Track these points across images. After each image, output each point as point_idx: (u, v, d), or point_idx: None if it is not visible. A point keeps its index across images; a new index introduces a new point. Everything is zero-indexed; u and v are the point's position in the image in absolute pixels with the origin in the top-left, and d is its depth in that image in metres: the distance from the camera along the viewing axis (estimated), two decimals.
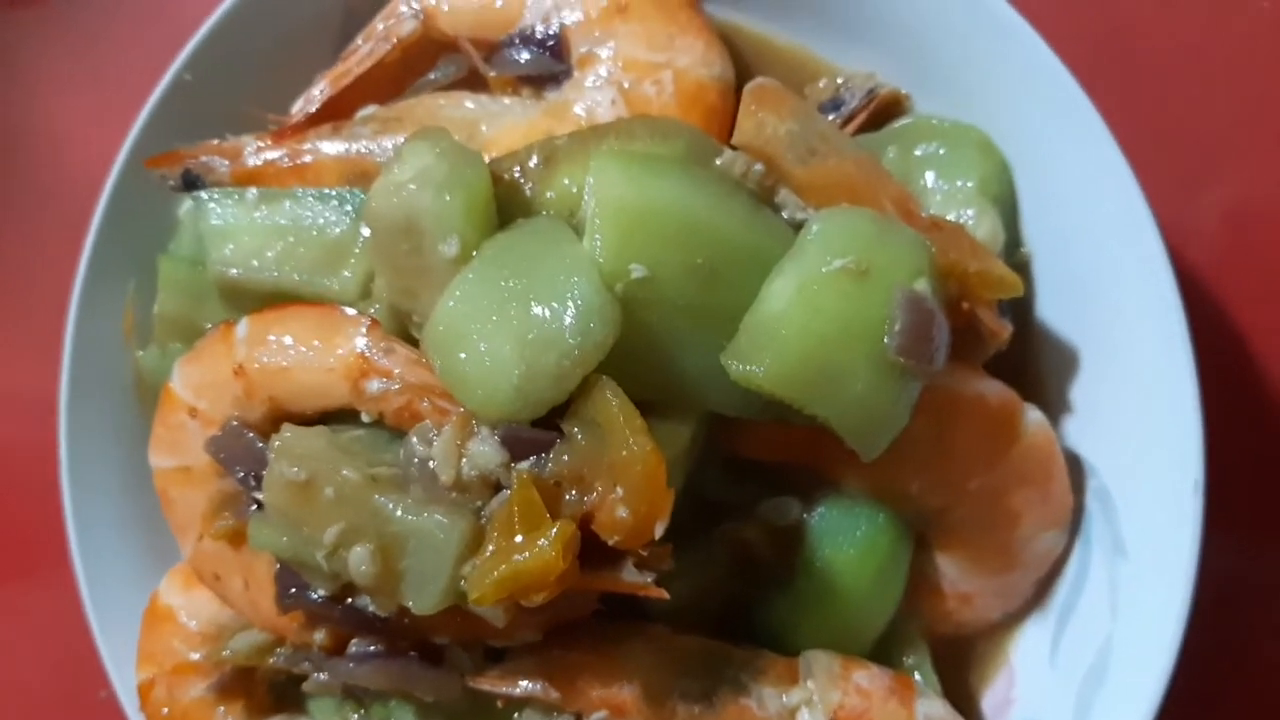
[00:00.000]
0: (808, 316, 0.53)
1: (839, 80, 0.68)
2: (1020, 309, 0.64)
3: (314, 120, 0.70)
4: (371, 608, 0.56)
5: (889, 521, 0.61)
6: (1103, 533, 0.62)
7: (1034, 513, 0.62)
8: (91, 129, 0.92)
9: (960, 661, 0.67)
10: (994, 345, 0.60)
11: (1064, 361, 0.64)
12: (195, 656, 0.72)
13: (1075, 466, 0.63)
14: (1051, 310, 0.65)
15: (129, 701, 0.77)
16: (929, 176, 0.64)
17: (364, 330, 0.59)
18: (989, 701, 0.67)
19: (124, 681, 0.77)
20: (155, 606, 0.74)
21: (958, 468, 0.60)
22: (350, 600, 0.58)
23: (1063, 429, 0.64)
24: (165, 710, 0.72)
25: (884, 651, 0.63)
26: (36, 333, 0.86)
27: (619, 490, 0.52)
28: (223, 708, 0.71)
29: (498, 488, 0.55)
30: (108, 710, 0.93)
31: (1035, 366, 0.65)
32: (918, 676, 0.63)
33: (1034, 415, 0.61)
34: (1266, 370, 0.75)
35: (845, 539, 0.61)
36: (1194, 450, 0.57)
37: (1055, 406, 0.64)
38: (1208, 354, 0.58)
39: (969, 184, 0.63)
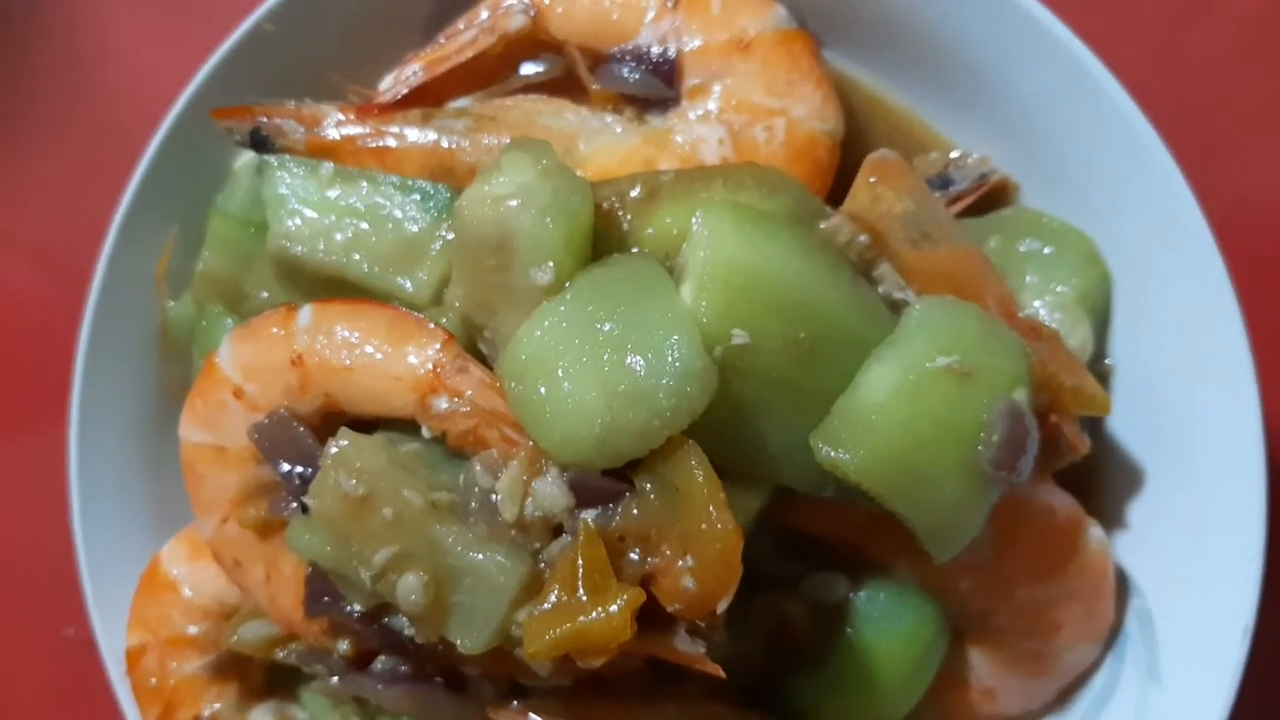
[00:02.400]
0: (907, 413, 0.52)
1: (951, 156, 0.66)
2: (1093, 419, 0.64)
3: (403, 103, 0.66)
4: (408, 631, 0.55)
5: (935, 614, 0.60)
6: (1139, 655, 0.63)
7: (1075, 625, 0.62)
8: (164, 55, 0.87)
9: None
10: (1070, 458, 0.59)
11: (1127, 477, 0.64)
12: (193, 630, 0.70)
13: (1121, 583, 0.63)
14: (1124, 426, 0.64)
15: (111, 658, 0.74)
16: (1030, 276, 0.63)
17: (439, 344, 0.57)
18: None
19: (107, 634, 0.74)
20: (156, 572, 0.71)
21: (1012, 573, 0.60)
22: (385, 620, 0.56)
23: (1115, 543, 0.64)
24: (154, 681, 0.70)
25: None
26: (68, 259, 0.82)
27: (689, 560, 0.51)
28: (216, 688, 0.69)
29: (558, 531, 0.54)
30: (71, 650, 0.91)
31: (1098, 476, 0.65)
32: None
33: (1096, 533, 0.61)
34: None
35: (890, 626, 0.60)
36: (1250, 597, 0.57)
37: (1110, 519, 0.64)
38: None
39: (1068, 291, 0.62)
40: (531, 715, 0.58)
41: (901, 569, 0.60)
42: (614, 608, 0.49)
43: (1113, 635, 0.64)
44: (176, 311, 0.74)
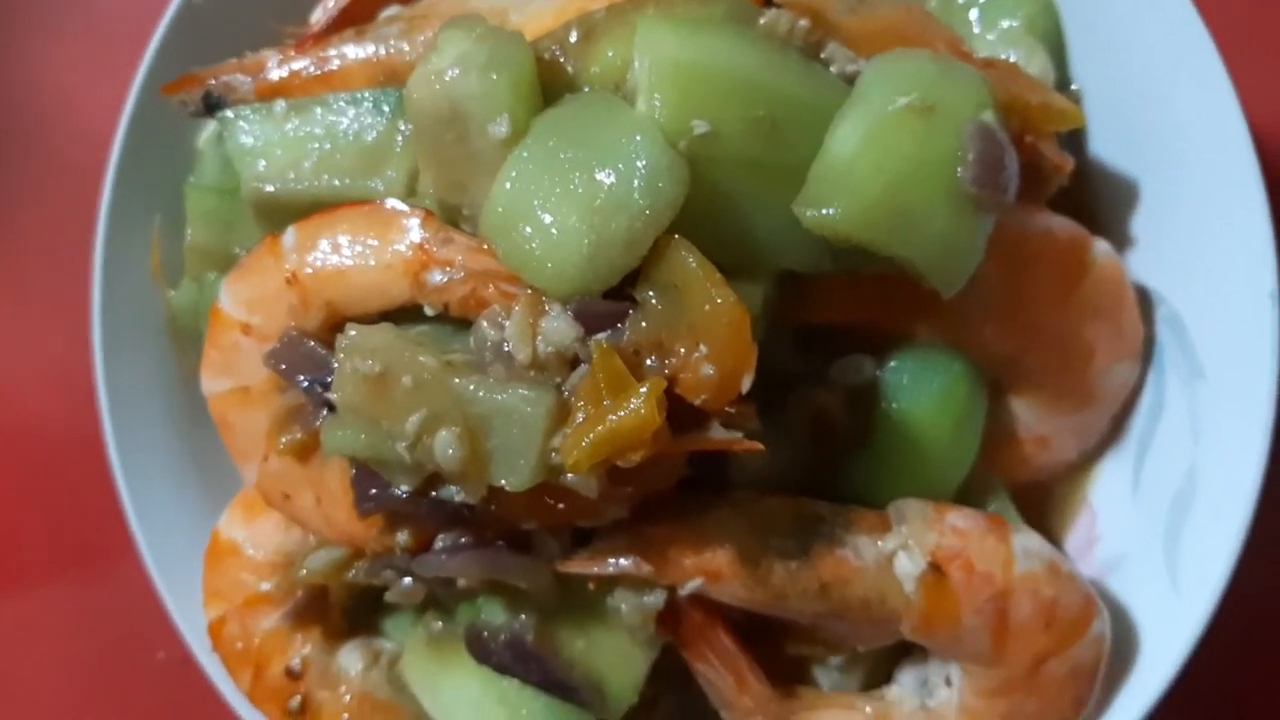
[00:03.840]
0: (879, 156, 0.52)
1: None
2: (1073, 147, 0.64)
3: (335, 27, 0.68)
4: (458, 497, 0.56)
5: (965, 369, 0.61)
6: (1177, 359, 0.62)
7: (1106, 346, 0.62)
8: (92, 75, 0.90)
9: (1040, 507, 0.68)
10: (1057, 181, 0.60)
11: (1122, 194, 0.64)
12: (265, 587, 0.71)
13: (1143, 297, 0.63)
14: (1105, 145, 0.64)
15: (199, 646, 0.75)
16: (974, 20, 0.64)
17: (419, 221, 0.58)
18: (1072, 544, 0.67)
19: (192, 629, 0.76)
20: (217, 542, 0.73)
21: (1030, 306, 0.60)
22: (434, 493, 0.57)
23: (1127, 262, 0.64)
24: (239, 645, 0.71)
25: (965, 502, 0.63)
26: (65, 292, 0.84)
27: (702, 348, 0.52)
28: (299, 635, 0.71)
29: (575, 363, 0.54)
30: (166, 671, 0.93)
31: (1093, 203, 0.65)
32: None
33: (1102, 246, 0.61)
34: None
35: (922, 390, 0.60)
36: (1267, 259, 0.57)
37: (1117, 240, 0.64)
38: None
39: (1015, 24, 0.62)
40: (600, 558, 0.58)
41: (922, 333, 0.61)
42: (637, 400, 0.50)
43: (1148, 350, 0.64)
44: (179, 298, 0.76)
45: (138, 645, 0.93)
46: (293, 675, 0.71)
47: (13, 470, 0.93)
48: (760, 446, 0.52)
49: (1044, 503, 0.68)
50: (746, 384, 0.51)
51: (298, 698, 0.70)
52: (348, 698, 0.70)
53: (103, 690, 0.95)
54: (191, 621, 0.75)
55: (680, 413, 0.52)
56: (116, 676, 0.95)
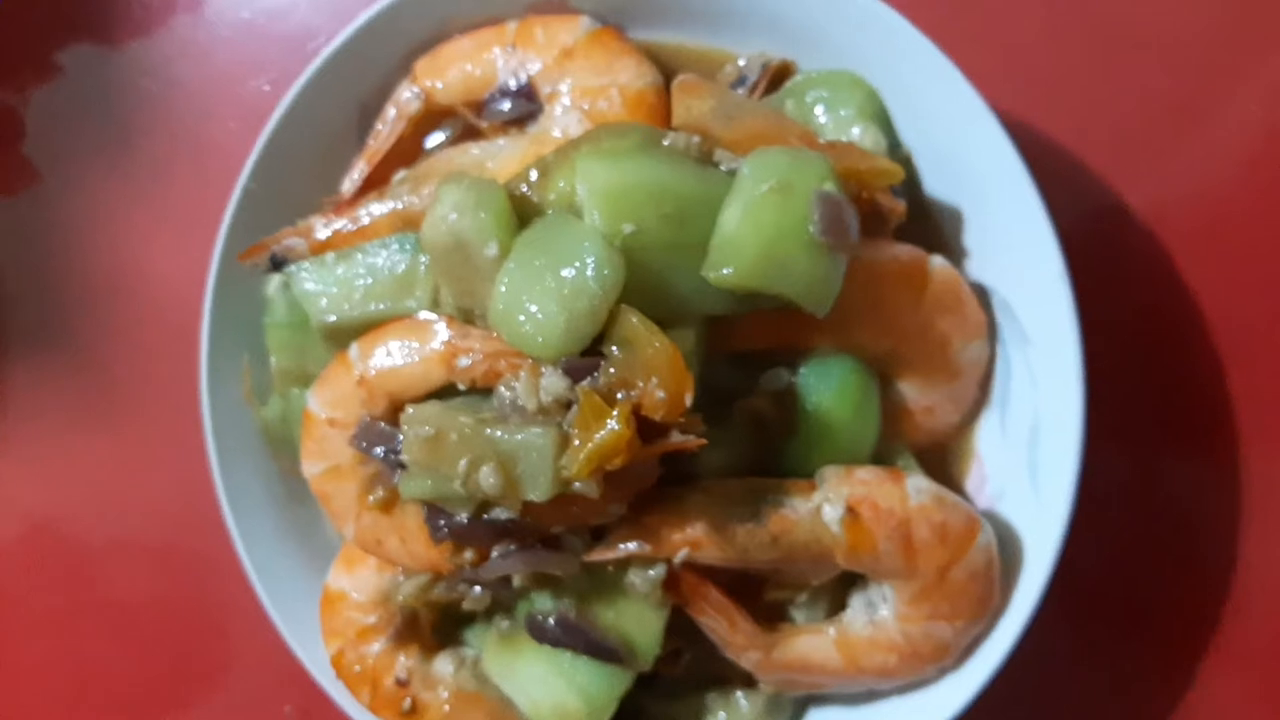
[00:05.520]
0: (754, 227, 0.72)
1: (740, 63, 0.89)
2: (912, 191, 0.85)
3: (361, 193, 0.91)
4: (503, 515, 0.77)
5: (855, 366, 0.80)
6: (1012, 333, 0.83)
7: (958, 331, 0.82)
8: (173, 254, 1.12)
9: (941, 465, 0.87)
10: (895, 220, 0.80)
11: (953, 221, 0.85)
12: (371, 620, 0.91)
13: (981, 293, 0.83)
14: (935, 187, 0.85)
15: (324, 678, 0.94)
16: (820, 114, 0.85)
17: (445, 323, 0.80)
18: (970, 487, 0.86)
19: (318, 666, 0.93)
20: (328, 593, 0.93)
21: (891, 312, 0.80)
22: (485, 516, 0.78)
23: (965, 269, 0.84)
24: (357, 668, 0.91)
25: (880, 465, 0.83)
26: (178, 422, 1.06)
27: (654, 380, 0.72)
28: (402, 654, 0.90)
29: (568, 406, 0.75)
30: None
31: (934, 231, 0.86)
32: None
33: (937, 260, 0.81)
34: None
35: (828, 385, 0.79)
36: (1053, 249, 0.77)
37: (955, 254, 0.84)
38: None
39: (850, 111, 0.84)
40: (612, 546, 0.79)
41: (819, 345, 0.80)
42: (612, 421, 0.71)
43: (993, 331, 0.84)
44: (268, 412, 0.97)
45: (269, 701, 1.14)
46: (401, 684, 0.91)
47: (154, 569, 1.15)
48: (705, 442, 0.72)
49: (944, 460, 0.87)
50: (689, 400, 0.71)
51: (408, 700, 0.90)
52: (445, 694, 0.89)
53: None
54: (317, 661, 0.95)
55: (647, 428, 0.73)
56: None
